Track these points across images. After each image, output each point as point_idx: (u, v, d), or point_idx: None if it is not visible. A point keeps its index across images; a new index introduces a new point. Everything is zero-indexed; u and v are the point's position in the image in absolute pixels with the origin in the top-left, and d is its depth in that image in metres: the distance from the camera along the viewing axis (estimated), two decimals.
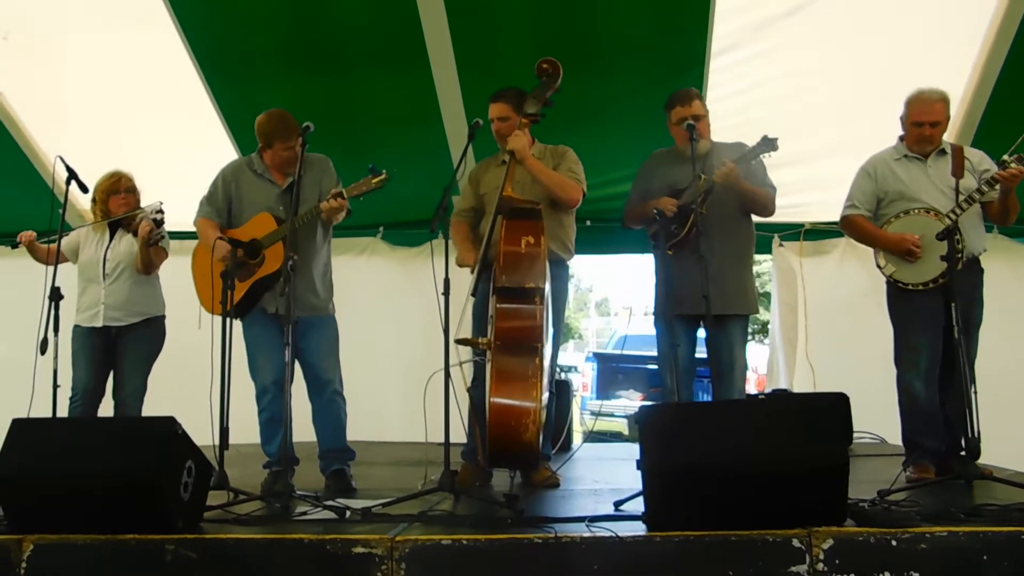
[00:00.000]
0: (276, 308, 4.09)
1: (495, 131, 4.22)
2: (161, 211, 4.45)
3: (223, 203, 4.25)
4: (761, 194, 4.25)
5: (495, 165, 4.35)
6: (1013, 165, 3.87)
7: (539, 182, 4.12)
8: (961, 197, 4.04)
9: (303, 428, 4.23)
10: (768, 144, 4.08)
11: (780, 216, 6.17)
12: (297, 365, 4.11)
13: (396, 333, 6.20)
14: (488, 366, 3.87)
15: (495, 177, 4.25)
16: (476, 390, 4.03)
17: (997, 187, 3.96)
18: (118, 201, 4.61)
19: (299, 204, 3.92)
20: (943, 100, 4.17)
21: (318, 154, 4.23)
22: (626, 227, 4.57)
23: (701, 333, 4.32)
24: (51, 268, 4.22)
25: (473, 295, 3.89)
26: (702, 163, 4.20)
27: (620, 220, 4.60)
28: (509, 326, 3.65)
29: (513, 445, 3.47)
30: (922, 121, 4.16)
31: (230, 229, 4.20)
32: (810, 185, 5.96)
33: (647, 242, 4.48)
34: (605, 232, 6.02)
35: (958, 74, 5.22)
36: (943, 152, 4.20)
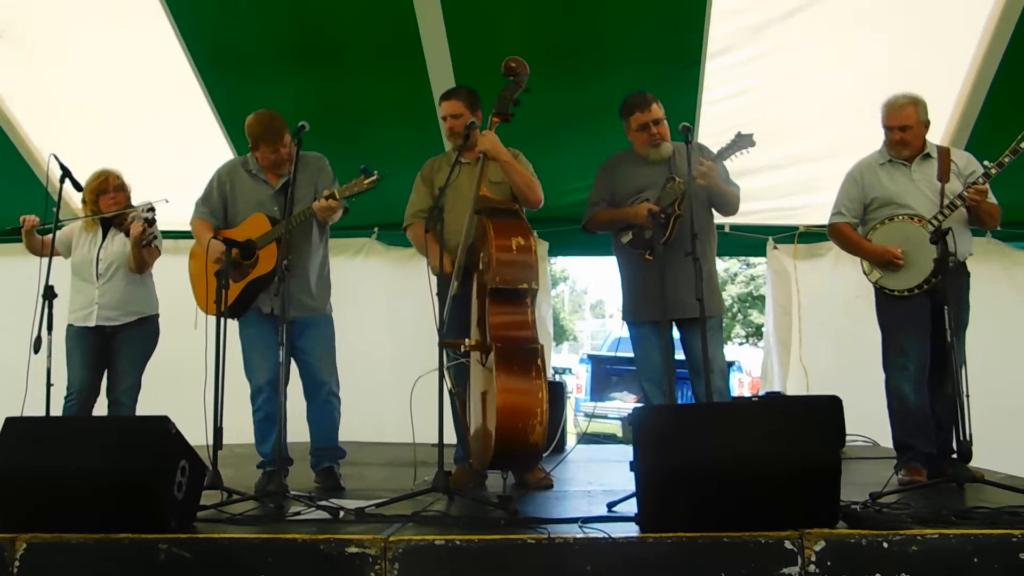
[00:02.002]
0: (271, 308, 4.09)
1: (448, 128, 4.17)
2: (152, 210, 4.44)
3: (218, 203, 4.24)
4: (732, 193, 4.26)
5: (448, 164, 4.21)
6: (979, 181, 3.96)
7: (511, 180, 4.05)
8: (945, 202, 4.07)
9: (298, 428, 4.24)
10: (744, 141, 4.03)
11: (775, 218, 6.24)
12: (293, 364, 4.11)
13: (391, 333, 6.21)
14: (474, 368, 3.88)
15: (457, 173, 4.11)
16: (462, 394, 4.03)
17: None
18: (108, 200, 4.59)
19: (293, 204, 3.92)
20: (913, 104, 4.16)
21: (314, 153, 4.21)
22: (589, 232, 4.50)
23: (675, 335, 4.30)
24: (45, 267, 4.20)
25: (455, 297, 3.87)
26: (668, 166, 4.21)
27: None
28: (507, 328, 3.66)
29: (519, 446, 3.49)
30: (891, 126, 4.18)
31: (226, 229, 4.20)
32: (805, 188, 5.99)
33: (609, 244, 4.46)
34: (601, 234, 6.04)
35: (954, 76, 5.24)
36: (928, 156, 4.21)
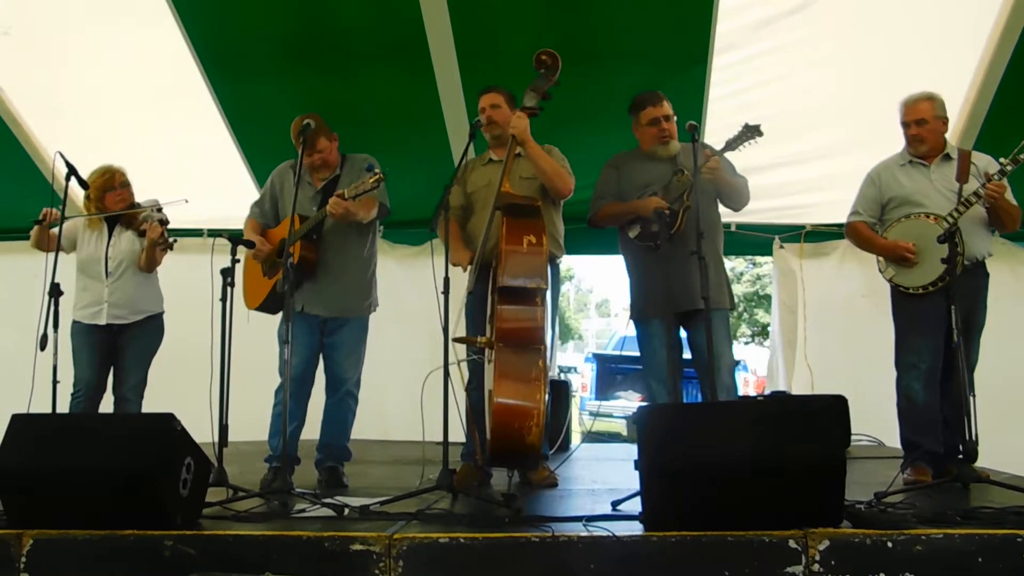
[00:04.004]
0: (302, 306, 4.20)
1: (486, 119, 4.18)
2: (161, 209, 4.45)
3: (269, 204, 4.44)
4: (740, 184, 4.25)
5: (481, 164, 4.33)
6: (995, 178, 3.92)
7: (538, 168, 4.08)
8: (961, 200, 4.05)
9: (317, 426, 4.31)
10: (751, 131, 4.02)
11: (781, 218, 6.23)
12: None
13: (397, 332, 6.19)
14: (487, 366, 3.88)
15: (482, 176, 4.23)
16: (475, 391, 4.03)
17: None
18: (114, 197, 4.57)
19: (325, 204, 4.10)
20: (929, 99, 4.20)
21: (363, 155, 4.33)
22: (595, 226, 4.47)
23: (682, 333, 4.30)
24: (51, 264, 4.20)
25: (471, 293, 3.88)
26: (675, 163, 4.21)
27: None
28: (511, 327, 3.65)
29: (516, 446, 3.48)
30: (908, 121, 4.21)
31: (274, 228, 4.39)
32: (811, 186, 5.98)
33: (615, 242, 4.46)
34: (607, 232, 5.99)
35: (961, 75, 5.22)
36: (948, 157, 4.21)
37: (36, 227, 4.52)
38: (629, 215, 4.27)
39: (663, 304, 3.87)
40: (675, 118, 4.27)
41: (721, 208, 4.35)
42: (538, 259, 3.75)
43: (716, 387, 3.93)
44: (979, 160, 4.17)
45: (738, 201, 4.29)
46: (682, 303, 3.98)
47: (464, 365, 4.00)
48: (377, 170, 3.92)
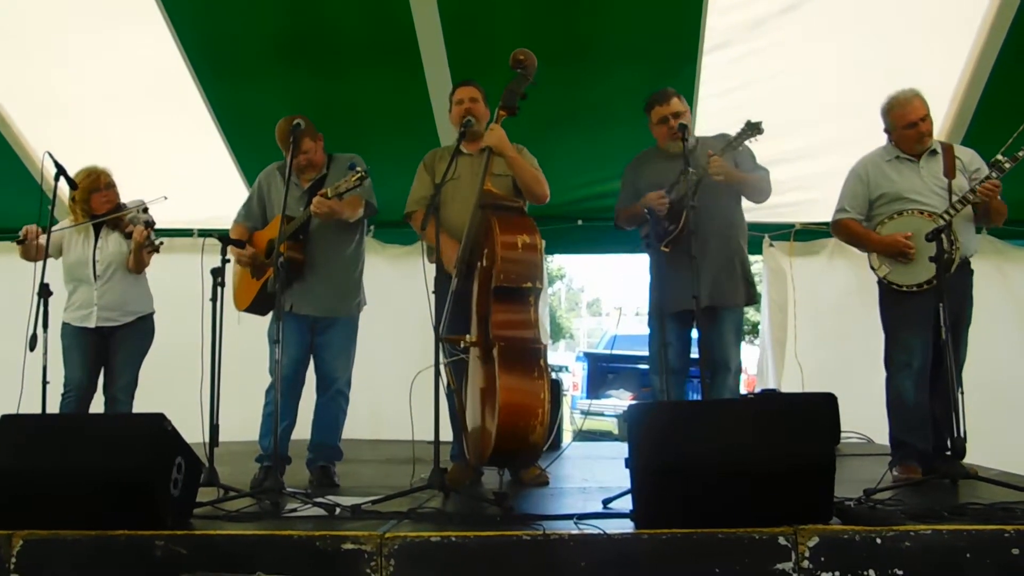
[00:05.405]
0: (290, 306, 4.19)
1: (464, 111, 4.11)
2: (147, 210, 4.44)
3: (257, 207, 4.45)
4: (755, 179, 4.23)
5: (449, 156, 4.13)
6: (994, 176, 3.91)
7: (519, 177, 4.07)
8: (955, 198, 4.04)
9: (309, 427, 4.31)
10: (752, 129, 4.03)
11: (770, 216, 6.24)
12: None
13: (388, 331, 6.19)
14: (472, 364, 3.88)
15: (455, 168, 4.09)
16: (460, 389, 4.03)
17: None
18: (101, 198, 4.54)
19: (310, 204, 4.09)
20: (918, 95, 4.18)
21: (348, 154, 4.32)
22: (618, 228, 4.55)
23: (694, 334, 4.31)
24: (40, 264, 4.19)
25: (455, 292, 3.87)
26: (690, 159, 4.21)
27: (612, 219, 4.59)
28: (511, 328, 3.65)
29: (520, 445, 3.50)
30: (914, 120, 4.15)
31: (261, 231, 4.41)
32: (801, 185, 5.98)
33: (639, 242, 4.48)
34: (597, 232, 6.01)
35: (950, 71, 5.25)
36: (934, 152, 4.20)
37: (20, 246, 4.51)
38: (640, 213, 4.27)
39: (667, 303, 3.88)
40: (686, 112, 4.29)
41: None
42: (533, 259, 3.75)
43: (719, 386, 3.97)
44: (962, 154, 4.18)
45: (758, 196, 4.30)
46: (681, 303, 3.98)
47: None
48: (359, 168, 3.92)
